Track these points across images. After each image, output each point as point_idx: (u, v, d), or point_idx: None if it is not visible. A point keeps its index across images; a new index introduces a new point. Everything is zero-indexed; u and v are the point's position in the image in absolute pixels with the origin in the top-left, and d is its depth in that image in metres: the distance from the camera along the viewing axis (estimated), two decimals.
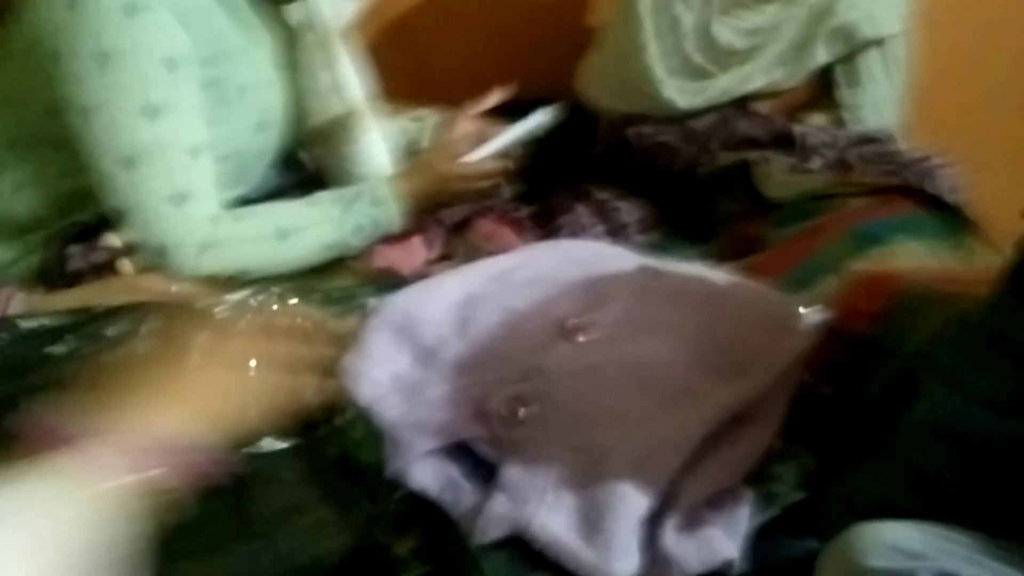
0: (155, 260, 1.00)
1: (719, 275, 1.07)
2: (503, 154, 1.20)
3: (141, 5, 0.96)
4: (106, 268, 1.01)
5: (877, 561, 0.71)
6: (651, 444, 0.84)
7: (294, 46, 1.15)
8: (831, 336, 0.96)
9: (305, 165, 1.28)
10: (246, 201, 1.14)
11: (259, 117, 1.12)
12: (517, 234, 1.35)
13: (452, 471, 0.84)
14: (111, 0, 0.95)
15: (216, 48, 1.04)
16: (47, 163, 1.06)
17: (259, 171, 1.18)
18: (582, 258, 1.08)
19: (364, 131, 1.18)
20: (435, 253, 1.31)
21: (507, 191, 1.46)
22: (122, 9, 0.96)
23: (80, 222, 1.06)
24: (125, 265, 1.01)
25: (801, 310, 1.00)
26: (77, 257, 1.01)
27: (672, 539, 0.80)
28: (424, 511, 0.84)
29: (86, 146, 0.99)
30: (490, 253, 1.21)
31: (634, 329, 0.93)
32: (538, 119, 1.19)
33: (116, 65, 0.96)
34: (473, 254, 1.27)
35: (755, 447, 0.87)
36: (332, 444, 0.89)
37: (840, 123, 1.48)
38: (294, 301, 1.02)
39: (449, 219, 1.35)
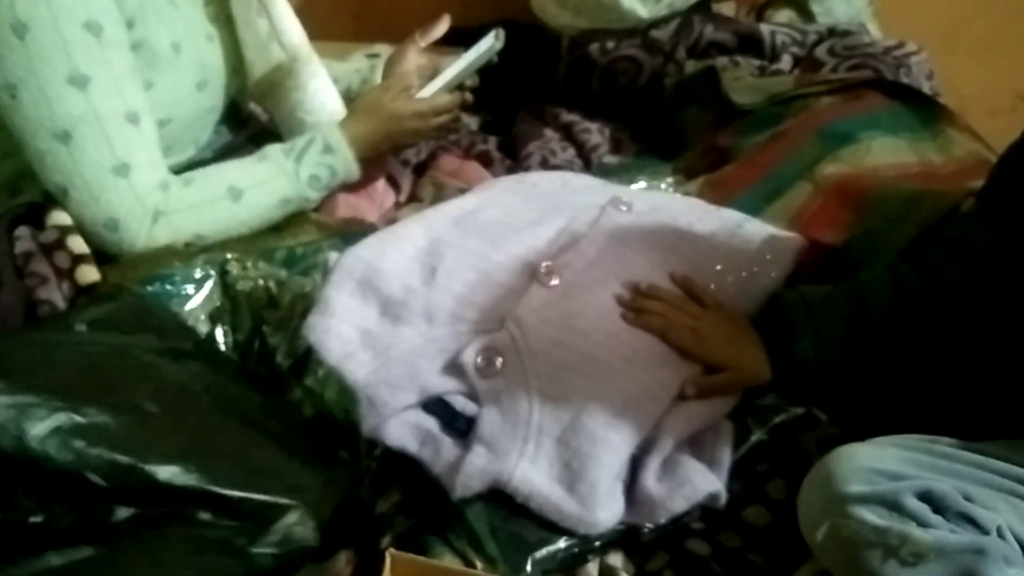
0: (106, 236, 0.97)
1: (691, 205, 1.04)
2: (457, 85, 1.16)
3: None
4: (56, 247, 0.98)
5: (858, 486, 0.70)
6: (632, 392, 0.82)
7: None
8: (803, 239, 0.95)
9: (256, 118, 1.24)
10: (198, 163, 1.10)
11: (199, 75, 1.07)
12: (485, 167, 1.32)
13: (429, 426, 0.83)
14: None
15: (141, 5, 0.99)
16: None
17: (207, 130, 1.13)
18: (549, 193, 1.05)
19: (311, 76, 1.13)
20: (403, 195, 1.28)
21: (471, 123, 1.43)
22: None
23: (27, 202, 1.02)
24: (76, 242, 0.98)
25: (774, 234, 0.98)
26: (25, 239, 0.98)
27: (654, 480, 0.79)
28: (404, 467, 0.83)
29: (17, 124, 0.94)
30: (459, 190, 1.18)
31: (608, 272, 0.91)
32: (487, 44, 1.14)
33: (36, 35, 0.91)
34: (441, 192, 1.23)
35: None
36: (306, 405, 0.88)
37: (809, 17, 1.42)
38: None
39: (414, 158, 1.31)
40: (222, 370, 0.86)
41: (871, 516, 0.69)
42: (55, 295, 0.93)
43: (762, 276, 0.94)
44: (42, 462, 0.67)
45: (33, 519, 0.66)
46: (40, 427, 0.67)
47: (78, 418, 0.69)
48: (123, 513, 0.67)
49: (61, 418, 0.69)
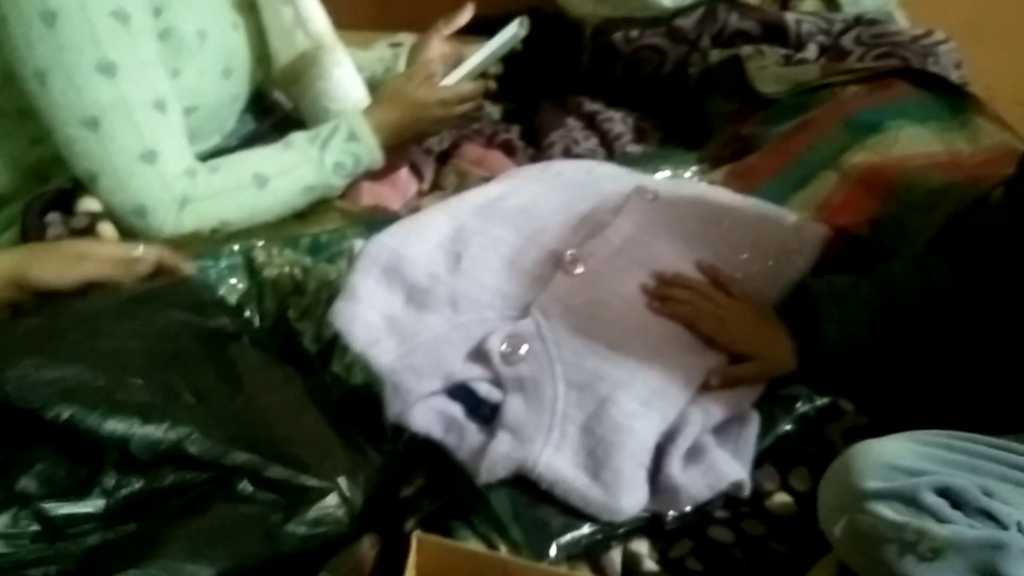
0: (134, 222, 0.98)
1: (716, 193, 1.04)
2: (481, 73, 1.16)
3: None
4: (87, 232, 0.99)
5: (875, 482, 0.70)
6: (658, 382, 0.82)
7: None
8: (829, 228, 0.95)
9: (281, 106, 1.24)
10: (223, 150, 1.11)
11: (225, 62, 1.08)
12: (507, 156, 1.32)
13: (454, 412, 0.83)
14: None
15: None
16: (15, 133, 1.03)
17: (232, 118, 1.14)
18: (574, 181, 1.04)
19: (335, 64, 1.13)
20: (426, 184, 1.28)
21: (494, 112, 1.43)
22: None
23: (57, 188, 1.04)
24: (107, 229, 0.99)
25: (800, 223, 0.97)
26: (56, 224, 0.99)
27: (678, 468, 0.79)
28: (428, 453, 0.83)
29: (46, 111, 0.95)
30: (482, 178, 1.18)
31: (634, 260, 0.91)
32: (511, 32, 1.14)
33: (65, 23, 0.92)
34: (464, 181, 1.24)
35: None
36: (333, 391, 0.89)
37: (835, 5, 1.41)
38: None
39: (437, 147, 1.32)
40: (267, 351, 0.87)
41: (888, 512, 0.69)
42: None
43: (788, 265, 0.94)
44: (87, 435, 0.68)
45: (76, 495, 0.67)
46: (87, 403, 0.68)
47: (125, 395, 0.70)
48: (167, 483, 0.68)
49: (111, 394, 0.69)
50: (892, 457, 0.72)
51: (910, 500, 0.69)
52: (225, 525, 0.69)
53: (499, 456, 0.79)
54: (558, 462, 0.79)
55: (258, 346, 0.87)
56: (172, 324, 0.81)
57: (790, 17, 1.35)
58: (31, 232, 1.01)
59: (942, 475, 0.70)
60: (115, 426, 0.68)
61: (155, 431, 0.69)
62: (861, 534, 0.70)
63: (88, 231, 0.98)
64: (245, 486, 0.71)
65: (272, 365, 0.84)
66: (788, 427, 0.86)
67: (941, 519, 0.68)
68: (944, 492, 0.70)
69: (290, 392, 0.82)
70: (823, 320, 0.86)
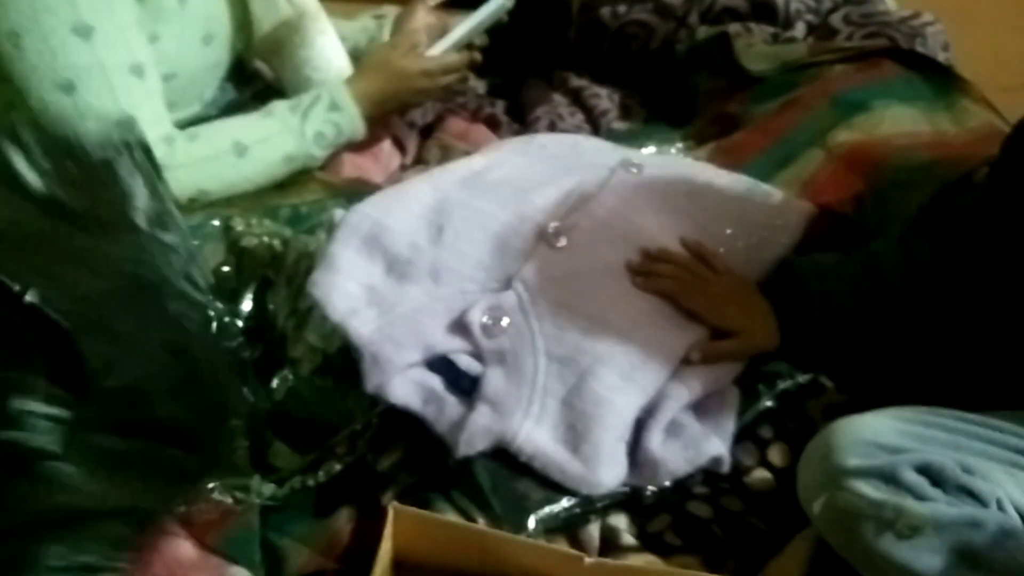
0: None
1: (702, 169, 1.03)
2: (466, 45, 1.14)
3: None
4: None
5: (855, 460, 0.70)
6: (639, 356, 0.82)
7: None
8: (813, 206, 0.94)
9: (262, 75, 1.22)
10: (203, 119, 1.09)
11: (205, 28, 1.06)
12: (492, 130, 1.31)
13: (433, 384, 0.82)
14: None
15: None
16: None
17: (212, 86, 1.12)
18: (558, 154, 1.03)
19: (318, 33, 1.12)
20: (409, 157, 1.27)
21: (479, 86, 1.41)
22: None
23: None
24: None
25: (785, 200, 0.97)
26: None
27: (658, 442, 0.79)
28: (406, 425, 0.82)
29: (21, 73, 0.93)
30: (465, 152, 1.17)
31: (617, 234, 0.90)
32: (497, 3, 1.12)
33: None
34: (447, 155, 1.22)
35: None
36: (308, 362, 0.88)
37: None
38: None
39: (421, 120, 1.30)
40: None
41: (868, 489, 0.69)
42: None
43: (772, 242, 0.94)
44: None
45: None
46: None
47: None
48: None
49: None
50: (872, 434, 0.72)
51: (890, 477, 0.69)
52: None
53: (478, 429, 0.78)
54: (538, 435, 0.78)
55: None
56: None
57: None
58: None
59: (922, 452, 0.70)
60: None
61: None
62: (840, 511, 0.70)
63: None
64: None
65: None
66: (769, 403, 0.86)
67: (920, 497, 0.69)
68: (924, 470, 0.70)
69: None
70: (806, 297, 0.86)
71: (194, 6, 1.04)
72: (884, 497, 0.68)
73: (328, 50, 1.13)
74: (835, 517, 0.71)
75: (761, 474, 0.84)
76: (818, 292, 0.86)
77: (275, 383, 0.89)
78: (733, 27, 1.29)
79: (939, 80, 1.13)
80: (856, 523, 0.69)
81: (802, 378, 0.86)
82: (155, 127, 0.98)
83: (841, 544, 0.72)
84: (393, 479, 0.82)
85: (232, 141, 1.01)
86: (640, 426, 0.81)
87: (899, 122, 1.05)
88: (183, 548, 0.80)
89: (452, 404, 0.81)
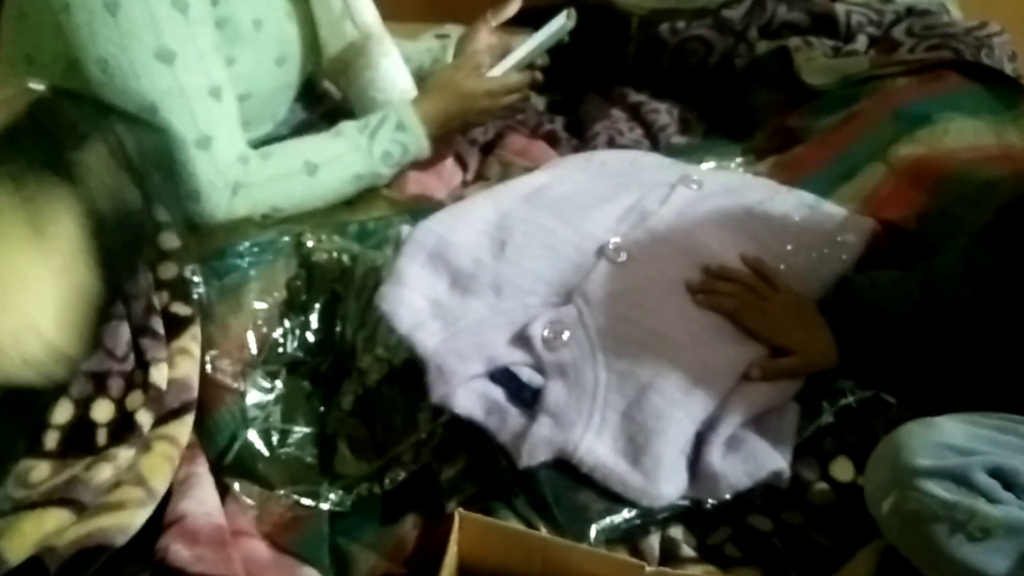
0: (188, 205, 1.01)
1: (762, 184, 1.03)
2: (528, 65, 1.17)
3: None
4: None
5: (926, 460, 0.69)
6: (699, 371, 0.83)
7: None
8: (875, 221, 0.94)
9: (331, 96, 1.27)
10: (275, 138, 1.13)
11: (278, 51, 1.10)
12: (552, 146, 1.33)
13: (496, 395, 0.84)
14: None
15: None
16: None
17: (284, 106, 1.16)
18: (618, 171, 1.05)
19: (383, 55, 1.15)
20: (470, 174, 1.29)
21: (539, 103, 1.44)
22: None
23: None
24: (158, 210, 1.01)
25: (846, 215, 0.96)
26: None
27: (718, 455, 0.80)
28: (470, 435, 0.85)
29: (107, 97, 0.98)
30: (525, 169, 1.19)
31: (677, 249, 0.91)
32: (559, 23, 1.14)
33: (126, 12, 0.95)
34: (508, 171, 1.25)
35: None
36: (375, 372, 0.90)
37: None
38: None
39: (482, 138, 1.33)
40: None
41: (939, 490, 0.68)
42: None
43: (833, 258, 0.94)
44: None
45: None
46: None
47: None
48: None
49: None
50: (943, 436, 0.71)
51: (961, 479, 0.68)
52: None
53: (540, 440, 0.80)
54: (599, 447, 0.80)
55: None
56: None
57: (840, 8, 1.34)
58: None
59: (994, 455, 0.69)
60: None
61: None
62: (910, 512, 0.70)
63: None
64: None
65: None
66: (829, 419, 0.86)
67: (993, 499, 0.68)
68: (996, 473, 0.69)
69: None
70: (863, 316, 0.86)
71: (268, 30, 1.08)
72: (956, 498, 0.68)
73: (392, 71, 1.16)
74: (904, 518, 0.70)
75: (823, 488, 0.84)
76: (876, 311, 0.86)
77: (343, 393, 0.92)
78: (793, 41, 1.29)
79: (1006, 92, 1.12)
80: (926, 524, 0.68)
81: (863, 394, 0.86)
82: (231, 147, 1.02)
83: (908, 546, 0.72)
84: (458, 488, 0.84)
85: (304, 160, 1.05)
86: (701, 440, 0.82)
87: (963, 135, 1.04)
88: (257, 548, 0.83)
89: (514, 415, 0.83)
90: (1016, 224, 0.84)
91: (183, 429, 0.86)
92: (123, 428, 0.83)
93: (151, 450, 0.84)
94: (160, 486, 0.82)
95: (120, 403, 0.84)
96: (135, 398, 0.85)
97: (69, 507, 0.78)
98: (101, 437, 0.83)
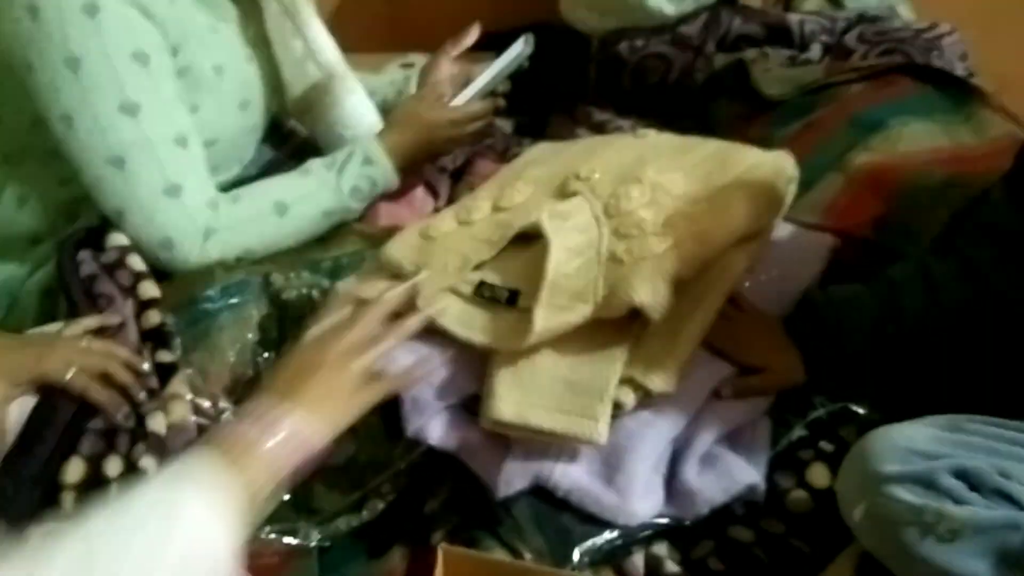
0: (161, 254, 1.01)
1: None
2: (490, 91, 1.18)
3: (101, 4, 0.95)
4: (118, 266, 1.02)
5: (892, 466, 0.71)
6: None
7: (261, 19, 1.13)
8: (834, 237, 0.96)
9: (297, 133, 1.28)
10: (244, 179, 1.14)
11: (241, 95, 1.12)
12: None
13: (469, 425, 0.86)
14: (71, 2, 0.95)
15: (184, 32, 1.03)
16: (44, 174, 1.07)
17: (250, 148, 1.17)
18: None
19: (347, 92, 1.17)
20: (442, 201, 1.31)
21: (506, 126, 1.45)
22: (83, 10, 0.95)
23: (86, 227, 1.08)
24: (135, 260, 1.03)
25: (806, 234, 0.98)
26: (88, 262, 1.03)
27: (693, 473, 0.81)
28: (452, 465, 0.86)
29: (74, 152, 0.99)
30: None
31: None
32: (517, 49, 1.16)
33: (88, 68, 0.96)
34: None
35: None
36: None
37: (838, 4, 1.42)
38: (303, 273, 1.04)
39: (451, 164, 1.34)
40: None
41: (907, 495, 0.70)
42: (124, 311, 0.97)
43: (794, 275, 0.95)
44: None
45: None
46: None
47: None
48: None
49: None
50: (909, 441, 0.73)
51: (928, 483, 0.70)
52: None
53: (516, 468, 0.81)
54: (573, 470, 0.81)
55: None
56: None
57: (793, 18, 1.36)
58: (66, 271, 1.05)
59: (959, 457, 0.71)
60: None
61: None
62: (880, 517, 0.71)
63: (119, 265, 1.02)
64: None
65: None
66: (802, 432, 0.87)
67: (959, 501, 0.69)
68: (961, 474, 0.71)
69: None
70: (824, 332, 0.88)
71: (230, 75, 1.09)
72: (923, 502, 0.69)
73: (358, 108, 1.17)
74: (875, 524, 0.72)
75: (800, 495, 0.86)
76: (836, 328, 0.87)
77: None
78: (750, 53, 1.31)
79: (957, 92, 1.14)
80: (897, 529, 0.70)
81: (833, 407, 0.88)
82: (200, 193, 1.03)
83: (882, 551, 0.73)
84: (442, 519, 0.85)
85: (273, 201, 1.06)
86: (676, 458, 0.83)
87: (917, 139, 1.06)
88: None
89: (490, 445, 0.84)
90: (970, 228, 0.86)
91: None
92: (131, 479, 0.84)
93: None
94: None
95: (127, 457, 0.86)
96: (139, 449, 0.86)
97: None
98: (114, 492, 0.84)
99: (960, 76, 1.18)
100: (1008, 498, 0.70)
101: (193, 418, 0.91)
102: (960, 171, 1.00)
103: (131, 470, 0.85)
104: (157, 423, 0.87)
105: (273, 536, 0.88)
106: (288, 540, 0.87)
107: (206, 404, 0.93)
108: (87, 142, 0.99)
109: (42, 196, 1.08)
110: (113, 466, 0.85)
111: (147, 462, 0.85)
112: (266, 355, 0.97)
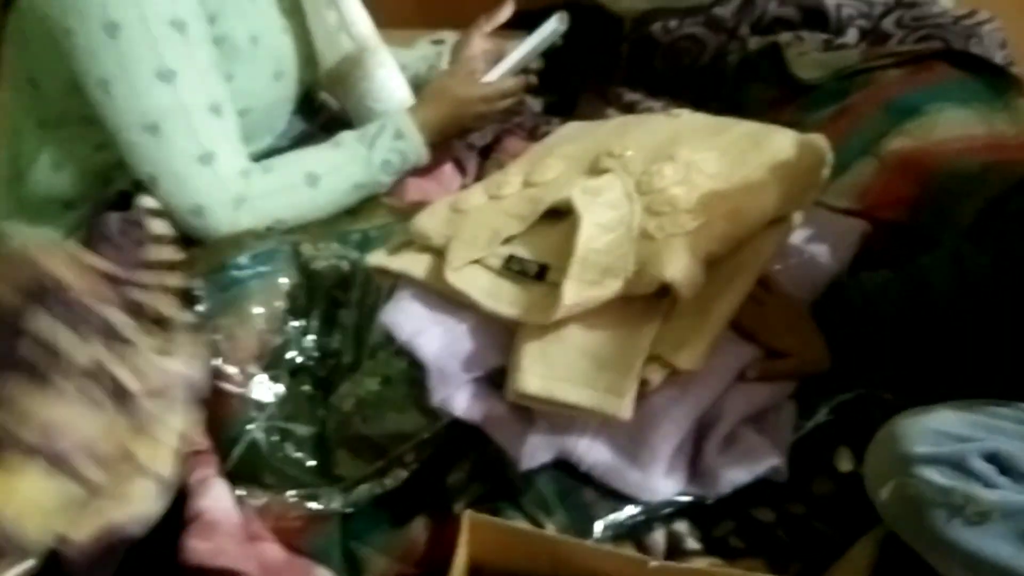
0: (192, 221, 1.03)
1: None
2: (522, 69, 1.18)
3: None
4: (139, 224, 1.03)
5: (922, 447, 0.71)
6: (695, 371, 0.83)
7: None
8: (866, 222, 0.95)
9: (329, 106, 1.28)
10: (275, 150, 1.15)
11: (275, 66, 1.12)
12: None
13: (494, 397, 0.86)
14: None
15: (223, 2, 1.04)
16: (80, 139, 1.08)
17: (283, 119, 1.18)
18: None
19: (378, 65, 1.17)
20: (469, 178, 1.31)
21: (535, 105, 1.45)
22: None
23: (118, 191, 1.09)
24: (156, 224, 1.03)
25: (838, 218, 0.97)
26: (114, 221, 1.04)
27: (716, 453, 0.81)
28: (476, 437, 0.86)
29: (109, 117, 1.00)
30: None
31: None
32: (551, 27, 1.16)
33: (126, 34, 0.97)
34: None
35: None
36: (377, 378, 0.92)
37: None
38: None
39: (480, 142, 1.34)
40: None
41: (936, 476, 0.69)
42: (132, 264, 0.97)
43: (825, 260, 0.95)
44: None
45: None
46: None
47: None
48: None
49: None
50: (940, 423, 0.73)
51: (958, 465, 0.70)
52: None
53: (540, 441, 0.82)
54: (597, 445, 0.82)
55: None
56: None
57: (830, 2, 1.34)
58: (93, 233, 1.06)
59: (990, 441, 0.71)
60: None
61: None
62: (908, 498, 0.71)
63: (138, 225, 1.03)
64: None
65: None
66: (826, 416, 0.87)
67: (989, 484, 0.69)
68: (992, 458, 0.70)
69: None
70: (853, 319, 0.87)
71: (265, 46, 1.10)
72: (952, 483, 0.69)
73: (389, 82, 1.18)
74: (903, 504, 0.72)
75: (823, 480, 0.86)
76: (866, 316, 0.87)
77: (344, 396, 0.93)
78: (784, 36, 1.30)
79: (995, 80, 1.13)
80: (924, 510, 0.70)
81: (859, 391, 0.88)
82: (233, 162, 1.04)
83: (908, 531, 0.73)
84: (465, 489, 0.86)
85: (304, 172, 1.07)
86: (700, 438, 0.83)
87: (953, 126, 1.05)
88: (271, 550, 0.85)
89: (514, 418, 0.85)
90: (1005, 217, 0.85)
91: (180, 419, 0.87)
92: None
93: (147, 435, 0.85)
94: (165, 471, 0.84)
95: None
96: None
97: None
98: None
99: (998, 64, 1.16)
100: None
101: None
102: (996, 159, 0.98)
103: None
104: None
105: (296, 500, 0.89)
106: (311, 505, 0.88)
107: (233, 371, 0.94)
108: (123, 107, 1.00)
109: (77, 161, 1.09)
110: None
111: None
112: (295, 324, 0.98)
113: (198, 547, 0.80)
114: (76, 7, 0.97)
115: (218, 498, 0.87)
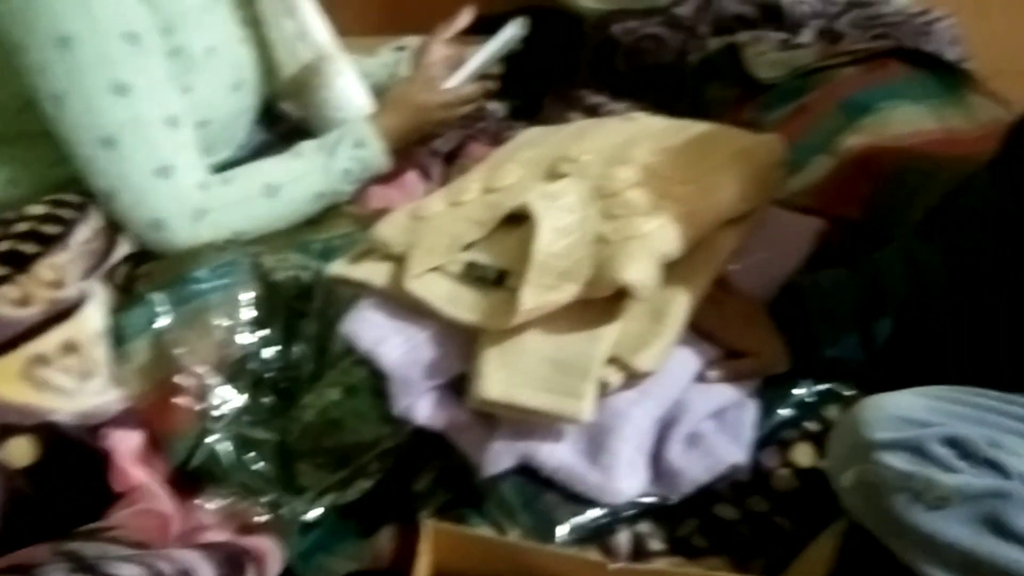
0: (151, 236, 1.02)
1: None
2: (481, 74, 1.18)
3: None
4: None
5: (883, 433, 0.71)
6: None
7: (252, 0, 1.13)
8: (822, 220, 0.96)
9: (289, 117, 1.28)
10: (235, 162, 1.14)
11: (234, 76, 1.12)
12: None
13: (456, 405, 0.86)
14: None
15: (175, 13, 1.03)
16: (36, 154, 1.07)
17: (243, 130, 1.17)
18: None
19: (337, 74, 1.16)
20: (434, 184, 1.31)
21: (499, 110, 1.45)
22: None
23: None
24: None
25: (794, 216, 0.98)
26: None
27: (678, 452, 0.82)
28: (440, 445, 0.86)
29: (64, 132, 0.99)
30: None
31: None
32: (510, 32, 1.16)
33: (78, 48, 0.96)
34: None
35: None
36: (338, 388, 0.92)
37: None
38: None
39: (444, 147, 1.34)
40: None
41: (896, 461, 0.70)
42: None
43: (782, 258, 0.95)
44: None
45: None
46: None
47: None
48: None
49: None
50: (901, 409, 0.73)
51: (917, 450, 0.70)
52: None
53: (502, 447, 0.82)
54: (558, 449, 0.82)
55: None
56: None
57: (787, 0, 1.36)
58: None
59: (949, 426, 0.71)
60: None
61: None
62: (869, 484, 0.72)
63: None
64: None
65: None
66: (787, 412, 0.88)
67: (948, 469, 0.70)
68: (952, 443, 0.71)
69: None
70: (808, 318, 0.88)
71: (222, 56, 1.09)
72: (912, 469, 0.70)
73: (348, 90, 1.17)
74: (864, 490, 0.73)
75: (785, 474, 0.86)
76: (819, 312, 0.88)
77: (305, 407, 0.93)
78: (742, 36, 1.31)
79: (947, 77, 1.14)
80: (885, 495, 0.71)
81: (818, 387, 0.89)
82: (191, 174, 1.03)
83: (870, 517, 0.74)
84: (430, 497, 0.86)
85: (264, 183, 1.06)
86: (661, 438, 0.84)
87: (907, 122, 1.07)
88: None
89: (477, 424, 0.85)
90: (955, 212, 0.87)
91: None
92: None
93: None
94: None
95: None
96: None
97: None
98: None
99: (949, 60, 1.18)
100: (997, 467, 0.70)
101: None
102: (950, 155, 1.00)
103: None
104: None
105: (258, 510, 0.88)
106: (273, 515, 0.88)
107: (194, 383, 0.93)
108: (77, 122, 0.99)
109: (35, 176, 1.08)
110: None
111: None
112: (256, 335, 0.98)
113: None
114: (26, 22, 0.96)
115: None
